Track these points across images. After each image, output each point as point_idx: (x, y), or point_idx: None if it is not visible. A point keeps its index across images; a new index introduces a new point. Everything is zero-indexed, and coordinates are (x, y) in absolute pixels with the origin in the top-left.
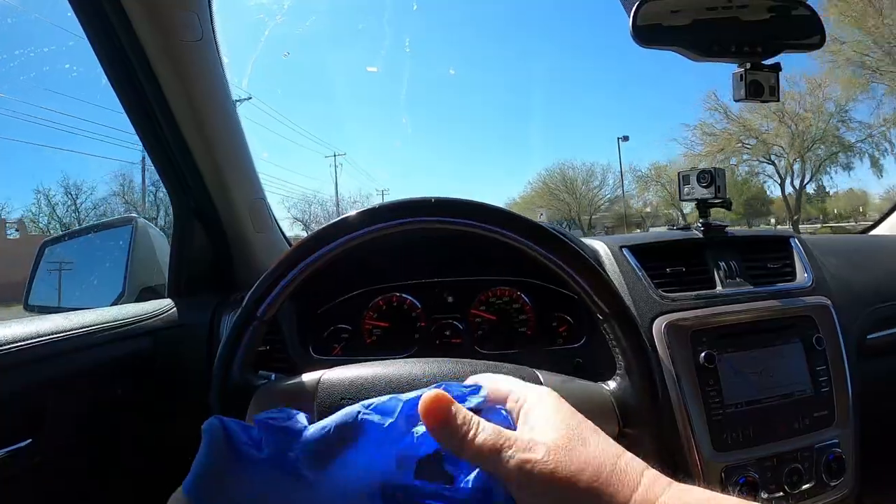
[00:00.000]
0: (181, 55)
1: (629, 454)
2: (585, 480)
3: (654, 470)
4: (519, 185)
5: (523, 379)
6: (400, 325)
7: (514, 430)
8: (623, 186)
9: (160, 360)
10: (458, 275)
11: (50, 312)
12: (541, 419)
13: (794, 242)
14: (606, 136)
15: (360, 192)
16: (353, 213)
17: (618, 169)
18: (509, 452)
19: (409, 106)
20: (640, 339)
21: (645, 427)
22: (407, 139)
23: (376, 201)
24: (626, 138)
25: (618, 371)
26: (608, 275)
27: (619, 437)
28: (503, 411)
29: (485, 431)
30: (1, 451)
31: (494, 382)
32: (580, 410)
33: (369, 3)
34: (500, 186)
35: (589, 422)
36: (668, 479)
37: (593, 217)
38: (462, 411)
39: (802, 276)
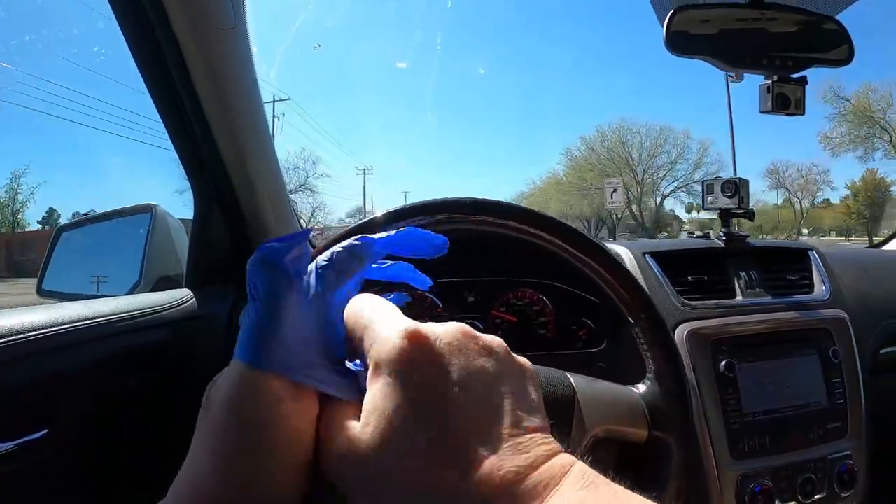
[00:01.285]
0: (213, 42)
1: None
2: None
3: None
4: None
5: (552, 382)
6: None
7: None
8: (734, 152)
9: (177, 352)
10: (479, 275)
11: (63, 299)
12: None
13: (813, 255)
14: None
15: (302, 154)
16: (381, 212)
17: (698, 138)
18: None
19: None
20: (673, 345)
21: (673, 430)
22: (406, 126)
23: (348, 177)
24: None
25: (647, 375)
26: None
27: (648, 440)
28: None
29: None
30: (15, 442)
31: (354, 310)
32: (611, 413)
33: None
34: (520, 157)
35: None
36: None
37: (659, 202)
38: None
39: (820, 288)
